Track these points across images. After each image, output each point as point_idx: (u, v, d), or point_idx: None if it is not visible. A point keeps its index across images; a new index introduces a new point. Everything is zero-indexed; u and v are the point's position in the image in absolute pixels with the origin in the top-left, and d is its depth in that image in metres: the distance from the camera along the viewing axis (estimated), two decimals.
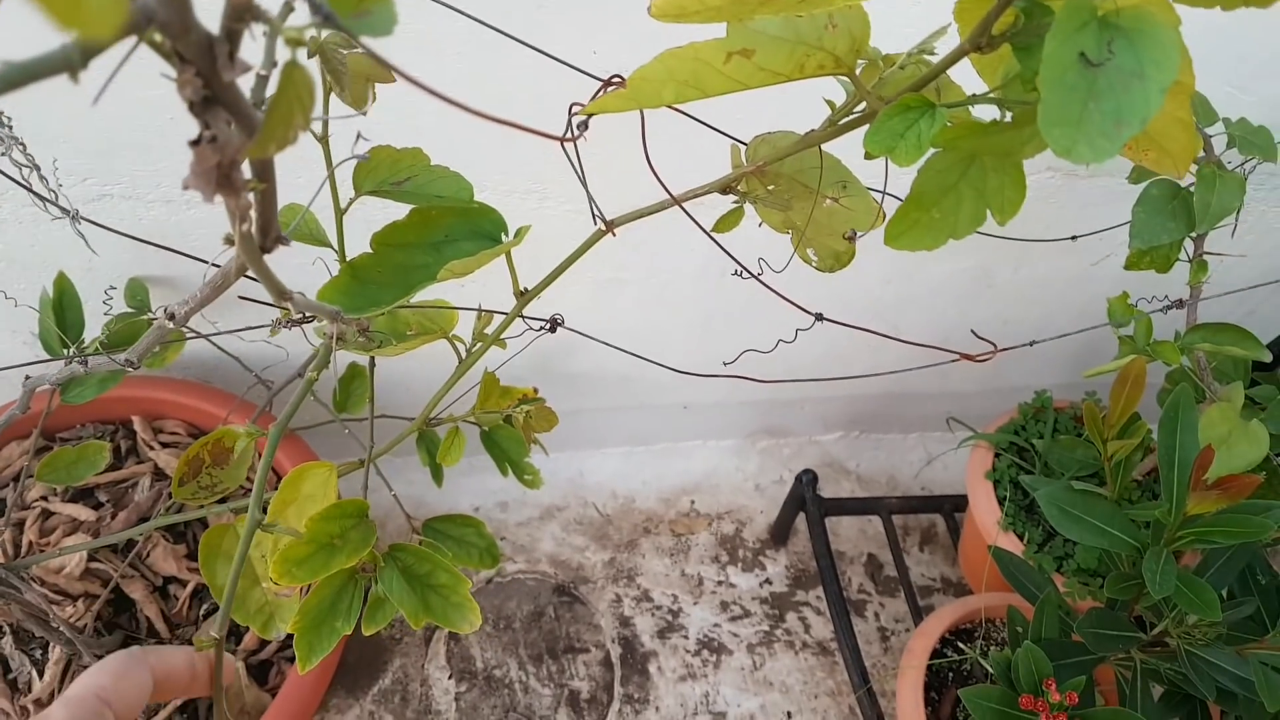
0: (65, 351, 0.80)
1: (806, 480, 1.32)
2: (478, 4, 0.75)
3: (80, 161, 0.86)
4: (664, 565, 1.48)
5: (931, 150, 0.40)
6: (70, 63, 0.20)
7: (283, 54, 0.26)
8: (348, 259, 0.49)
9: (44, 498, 1.07)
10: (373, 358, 0.75)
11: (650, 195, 0.63)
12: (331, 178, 0.57)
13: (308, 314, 0.59)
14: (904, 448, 1.63)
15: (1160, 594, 0.75)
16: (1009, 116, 0.39)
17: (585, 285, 1.18)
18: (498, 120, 0.31)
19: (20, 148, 0.63)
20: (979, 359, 0.67)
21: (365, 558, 0.58)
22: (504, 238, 0.58)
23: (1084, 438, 1.16)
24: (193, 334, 0.82)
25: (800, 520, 1.48)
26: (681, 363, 1.40)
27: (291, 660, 1.01)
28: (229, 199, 0.25)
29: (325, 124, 0.56)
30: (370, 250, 0.51)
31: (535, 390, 0.91)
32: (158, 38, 0.21)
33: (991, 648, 1.08)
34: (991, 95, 0.39)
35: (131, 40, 0.21)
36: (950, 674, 1.08)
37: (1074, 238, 0.95)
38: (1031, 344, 0.87)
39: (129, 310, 0.95)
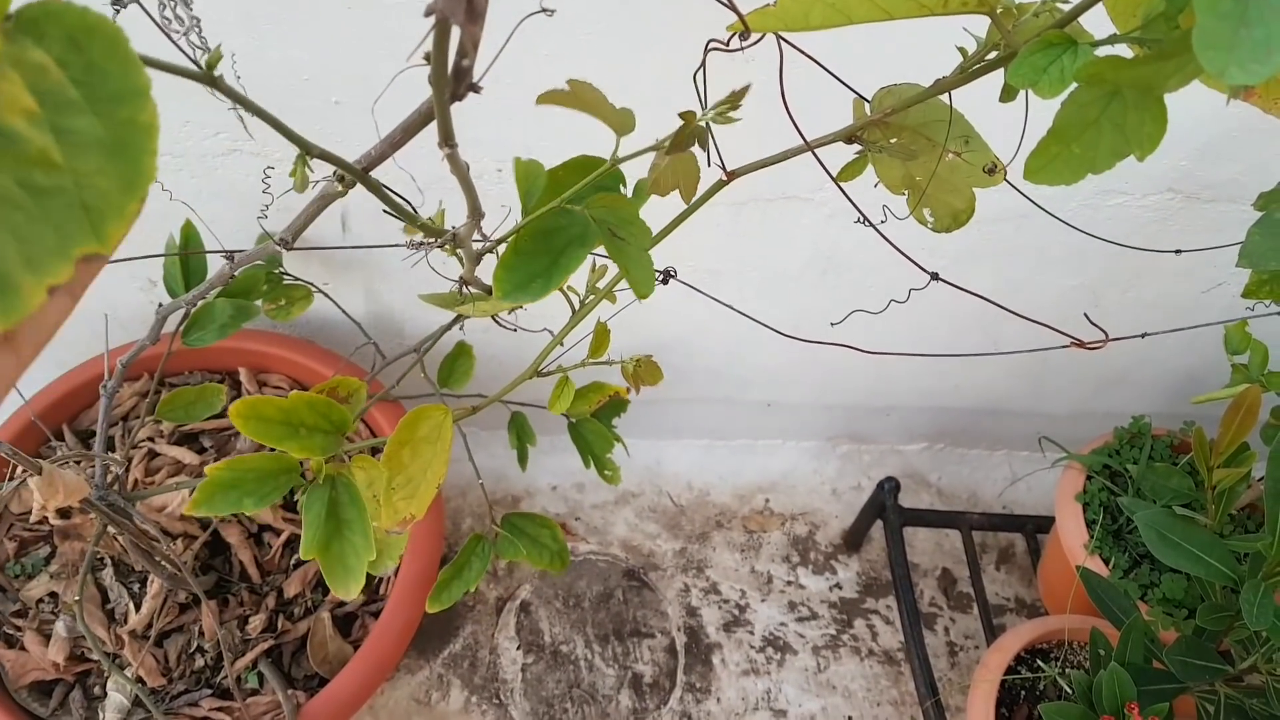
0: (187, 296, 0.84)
1: (889, 488, 1.31)
2: None
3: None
4: (734, 560, 1.48)
5: (1072, 86, 0.41)
6: None
7: None
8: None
9: (151, 439, 1.12)
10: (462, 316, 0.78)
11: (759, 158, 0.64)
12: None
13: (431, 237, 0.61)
14: (989, 465, 1.60)
15: (1257, 626, 0.73)
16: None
17: (683, 273, 1.19)
18: None
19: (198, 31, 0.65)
20: (1090, 346, 0.67)
21: (314, 464, 0.58)
22: (622, 188, 0.60)
23: (1180, 466, 1.13)
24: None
25: (874, 529, 1.47)
26: (770, 362, 1.40)
27: (376, 615, 1.04)
28: (471, 26, 0.27)
29: None
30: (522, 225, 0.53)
31: (629, 391, 0.92)
32: None
33: (1068, 669, 1.06)
34: (1134, 34, 0.39)
35: None
36: (1023, 692, 1.07)
37: (1178, 252, 0.92)
38: (1144, 335, 0.86)
39: (259, 264, 0.99)
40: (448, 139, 0.37)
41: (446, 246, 0.52)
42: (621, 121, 0.56)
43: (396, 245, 1.03)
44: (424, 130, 0.45)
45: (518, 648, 1.36)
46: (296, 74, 0.87)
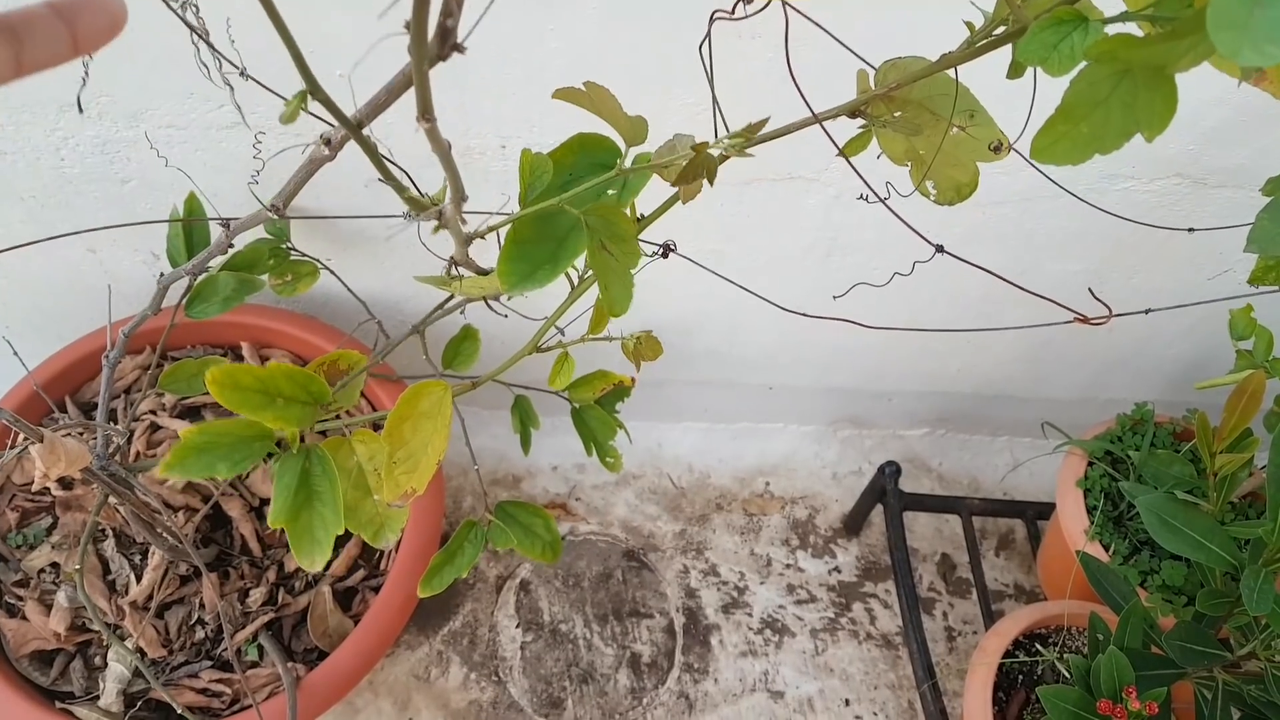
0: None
1: (890, 472, 1.31)
2: None
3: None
4: (733, 542, 1.49)
5: (1082, 64, 0.41)
6: None
7: None
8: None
9: (153, 412, 1.12)
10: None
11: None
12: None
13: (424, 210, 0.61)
14: (990, 450, 1.60)
15: (1256, 612, 0.73)
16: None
17: (687, 252, 1.18)
18: None
19: (194, 8, 0.66)
20: (1094, 321, 0.67)
21: (288, 435, 0.57)
22: (620, 163, 0.59)
23: (1182, 453, 1.13)
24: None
25: (874, 514, 1.47)
26: (772, 342, 1.40)
27: (376, 590, 1.05)
28: None
29: None
30: (520, 208, 0.53)
31: (632, 380, 0.92)
32: None
33: (1066, 654, 1.06)
34: (1147, 11, 0.39)
35: None
36: (1020, 676, 1.07)
37: (1191, 230, 0.92)
38: (1147, 311, 0.86)
39: (269, 237, 0.98)
40: (426, 112, 0.35)
41: (437, 226, 0.51)
42: (633, 130, 0.55)
43: (391, 215, 1.02)
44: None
45: (517, 626, 1.37)
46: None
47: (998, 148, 0.53)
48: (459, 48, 0.31)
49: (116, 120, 0.92)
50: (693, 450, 1.59)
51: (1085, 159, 0.41)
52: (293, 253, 0.98)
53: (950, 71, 0.51)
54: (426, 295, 1.24)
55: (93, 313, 1.19)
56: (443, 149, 0.39)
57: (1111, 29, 0.40)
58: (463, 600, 1.38)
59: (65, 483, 1.02)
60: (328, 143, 0.43)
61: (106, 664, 1.00)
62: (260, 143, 0.94)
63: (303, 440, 0.59)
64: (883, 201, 0.63)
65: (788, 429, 1.61)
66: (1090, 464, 1.20)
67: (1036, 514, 1.36)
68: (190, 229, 0.80)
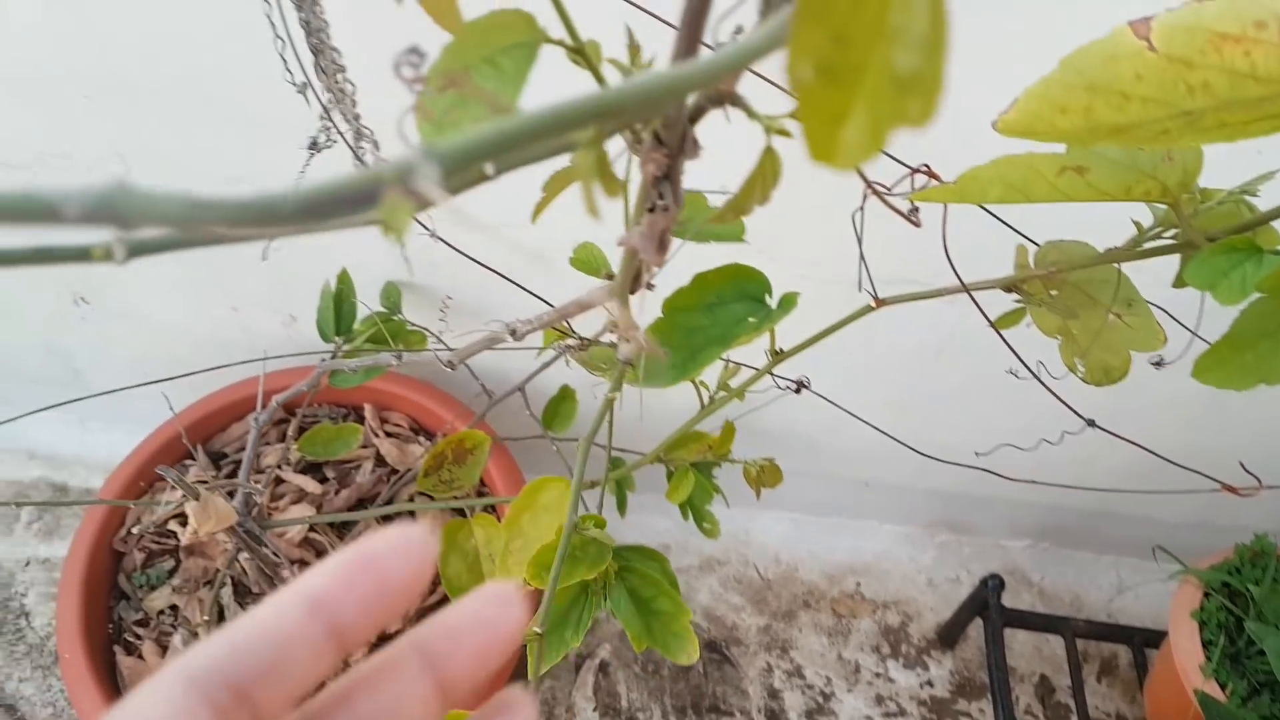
0: (336, 339, 0.88)
1: (993, 585, 1.28)
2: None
3: None
4: (820, 644, 1.46)
5: (1255, 295, 0.41)
6: None
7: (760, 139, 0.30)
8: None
9: (278, 466, 1.16)
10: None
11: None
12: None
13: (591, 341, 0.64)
14: (1095, 569, 1.55)
15: None
16: None
17: (790, 347, 1.19)
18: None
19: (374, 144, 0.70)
20: (1242, 493, 0.65)
21: (600, 573, 0.62)
22: (767, 298, 0.61)
23: None
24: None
25: (971, 626, 1.43)
26: (871, 437, 1.38)
27: None
28: (658, 257, 0.29)
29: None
30: (662, 315, 0.55)
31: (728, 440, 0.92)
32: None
33: None
34: None
35: None
36: None
37: None
38: None
39: (383, 310, 1.03)
40: (629, 330, 0.40)
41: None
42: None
43: (539, 347, 1.06)
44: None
45: (594, 709, 1.36)
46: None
47: (1159, 363, 0.53)
48: (650, 286, 0.36)
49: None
50: (781, 541, 1.57)
51: (1248, 387, 0.41)
52: (410, 325, 1.03)
53: None
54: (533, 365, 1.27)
55: (224, 362, 1.24)
56: (640, 342, 0.42)
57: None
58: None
59: None
60: (513, 333, 0.47)
61: None
62: (447, 307, 0.99)
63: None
64: (1037, 378, 0.63)
65: (882, 528, 1.58)
66: (1206, 595, 1.15)
67: (1144, 641, 1.31)
68: (340, 304, 0.84)
